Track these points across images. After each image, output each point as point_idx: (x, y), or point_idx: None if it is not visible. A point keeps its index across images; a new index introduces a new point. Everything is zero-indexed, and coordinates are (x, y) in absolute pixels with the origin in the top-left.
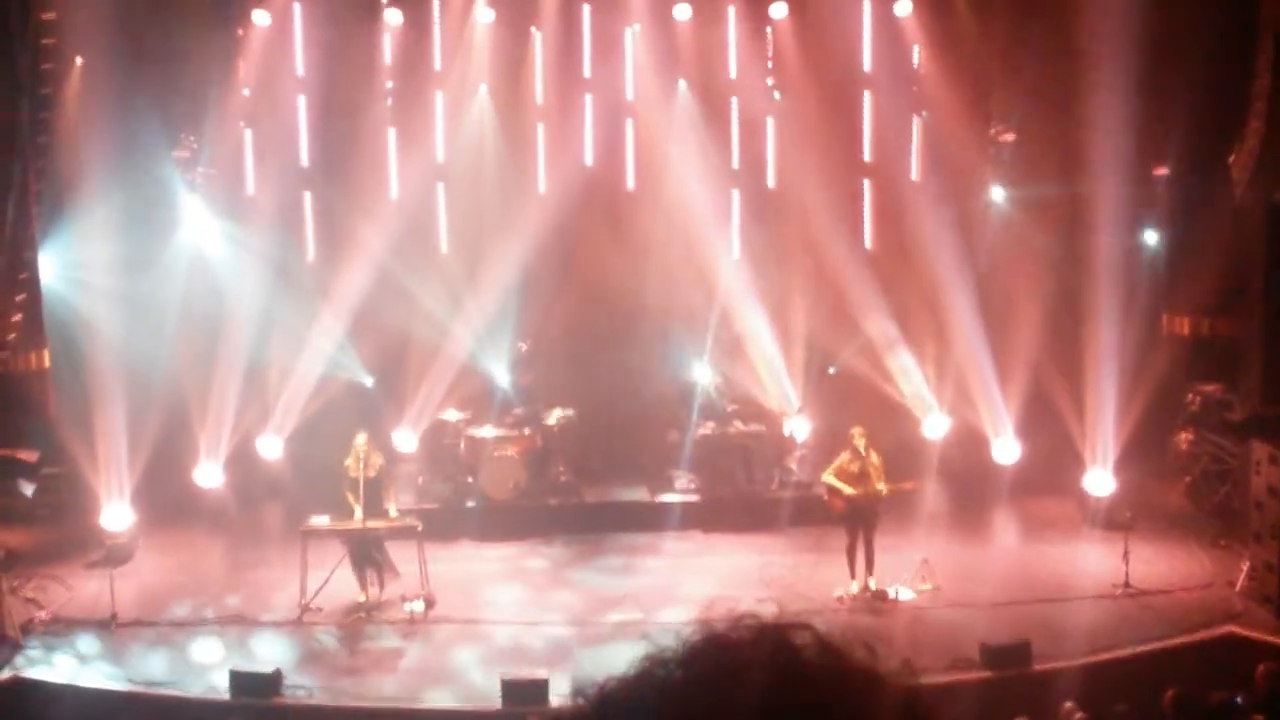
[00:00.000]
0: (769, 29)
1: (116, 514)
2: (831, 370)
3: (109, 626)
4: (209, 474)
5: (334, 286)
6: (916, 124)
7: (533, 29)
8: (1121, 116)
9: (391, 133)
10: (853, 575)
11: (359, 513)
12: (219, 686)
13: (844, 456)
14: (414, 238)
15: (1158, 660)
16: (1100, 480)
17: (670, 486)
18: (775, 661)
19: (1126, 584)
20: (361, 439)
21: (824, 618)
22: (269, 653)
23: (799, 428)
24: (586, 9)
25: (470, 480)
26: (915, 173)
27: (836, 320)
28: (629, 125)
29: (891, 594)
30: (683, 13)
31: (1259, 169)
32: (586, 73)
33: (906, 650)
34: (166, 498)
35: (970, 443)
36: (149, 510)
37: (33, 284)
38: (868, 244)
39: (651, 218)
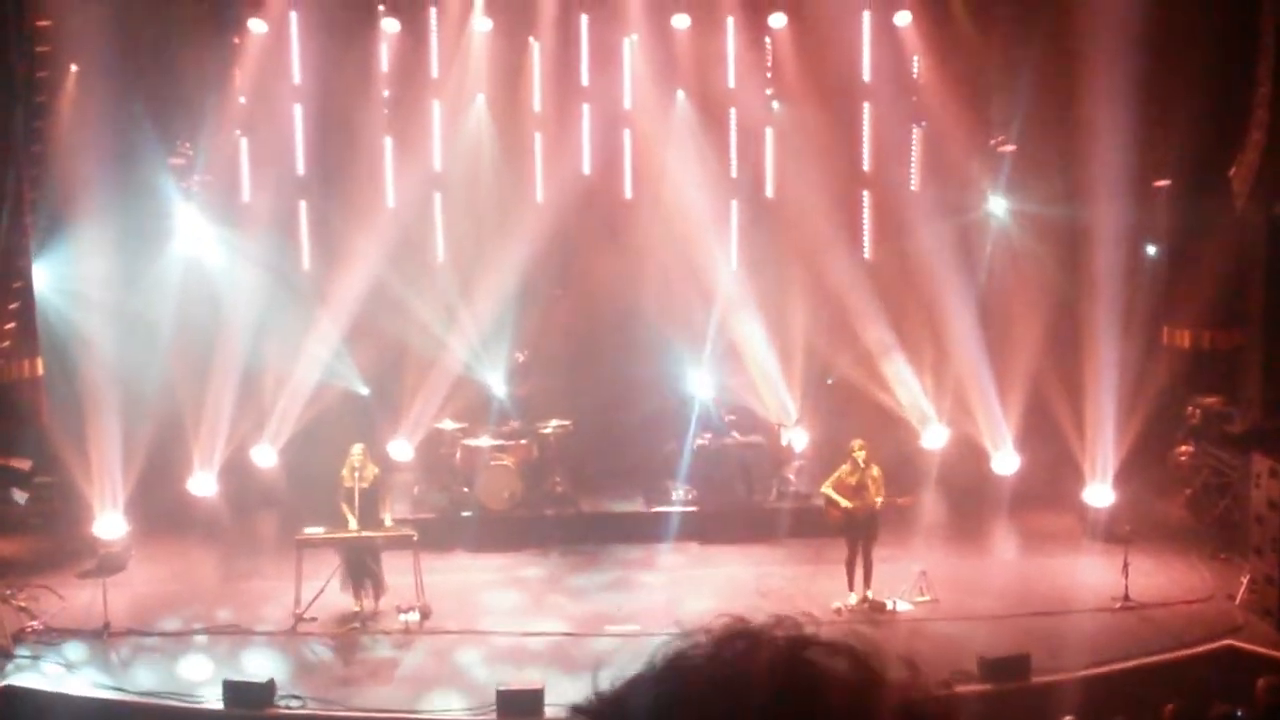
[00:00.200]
0: (768, 39)
1: (110, 523)
2: (829, 380)
3: (101, 636)
4: (203, 483)
5: (330, 295)
6: (916, 134)
7: (530, 38)
8: (1122, 127)
9: (388, 141)
10: (850, 587)
11: (354, 523)
12: (212, 697)
13: (843, 469)
14: (410, 247)
15: (1157, 674)
16: (1100, 493)
17: (667, 497)
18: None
19: (1126, 597)
20: (358, 449)
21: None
22: (263, 663)
23: (797, 438)
24: (585, 18)
25: (466, 490)
26: (915, 183)
27: (835, 331)
28: (627, 135)
29: (889, 606)
30: (681, 22)
31: (1259, 181)
32: (585, 82)
33: (904, 662)
34: (160, 507)
35: (969, 454)
36: (142, 519)
37: (26, 292)
38: (866, 254)
39: (649, 227)
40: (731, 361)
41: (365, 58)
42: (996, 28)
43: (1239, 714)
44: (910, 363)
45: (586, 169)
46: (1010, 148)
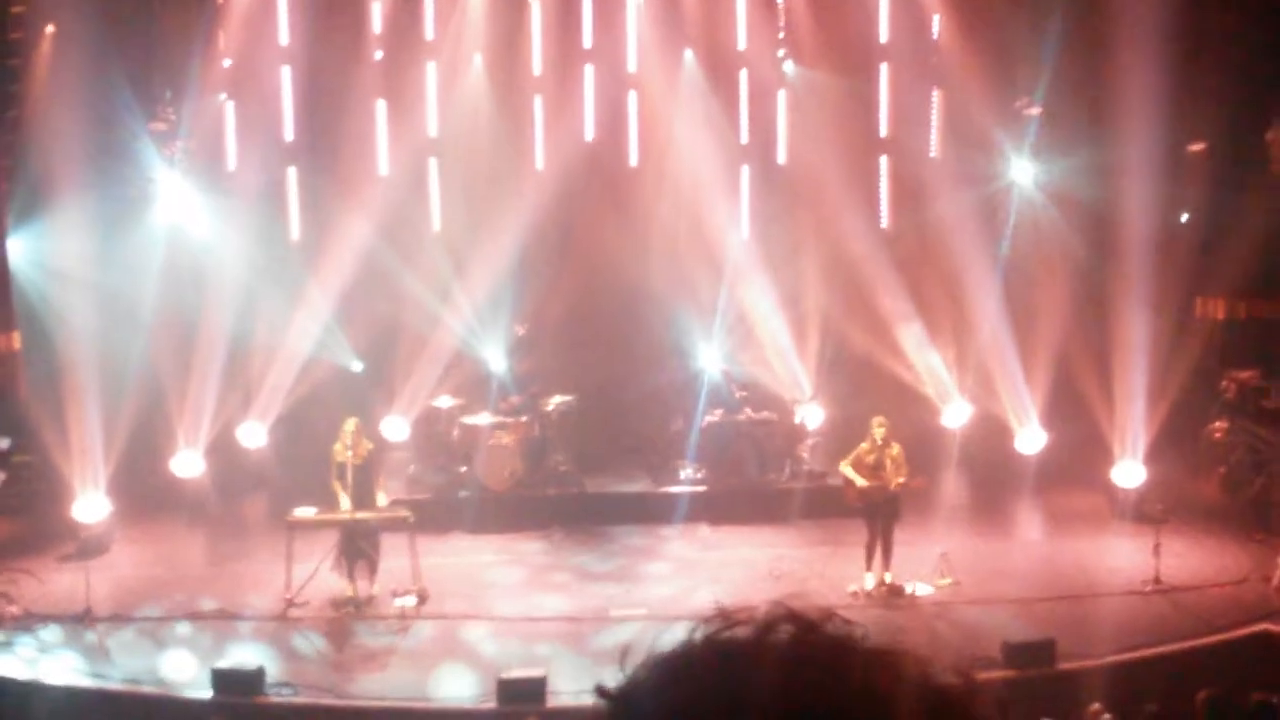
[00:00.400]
0: None
1: (91, 504)
2: (844, 356)
3: (83, 622)
4: (188, 463)
5: (320, 266)
6: (936, 97)
7: None
8: (1154, 87)
9: (381, 105)
10: (869, 569)
11: (346, 502)
12: (199, 685)
13: (862, 447)
14: (405, 216)
15: (1189, 659)
16: (1130, 471)
17: (675, 477)
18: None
19: (1157, 580)
20: (351, 423)
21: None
22: (252, 650)
23: (811, 415)
24: None
25: (464, 469)
26: (934, 149)
27: (851, 303)
28: (632, 98)
29: (909, 589)
30: None
31: None
32: (587, 43)
33: (925, 648)
34: (144, 487)
35: (993, 432)
36: (125, 501)
37: (1, 263)
38: (884, 223)
39: (655, 196)
40: (742, 335)
41: (356, 18)
42: None
43: (1276, 701)
44: (930, 337)
45: (589, 135)
46: (1036, 111)
